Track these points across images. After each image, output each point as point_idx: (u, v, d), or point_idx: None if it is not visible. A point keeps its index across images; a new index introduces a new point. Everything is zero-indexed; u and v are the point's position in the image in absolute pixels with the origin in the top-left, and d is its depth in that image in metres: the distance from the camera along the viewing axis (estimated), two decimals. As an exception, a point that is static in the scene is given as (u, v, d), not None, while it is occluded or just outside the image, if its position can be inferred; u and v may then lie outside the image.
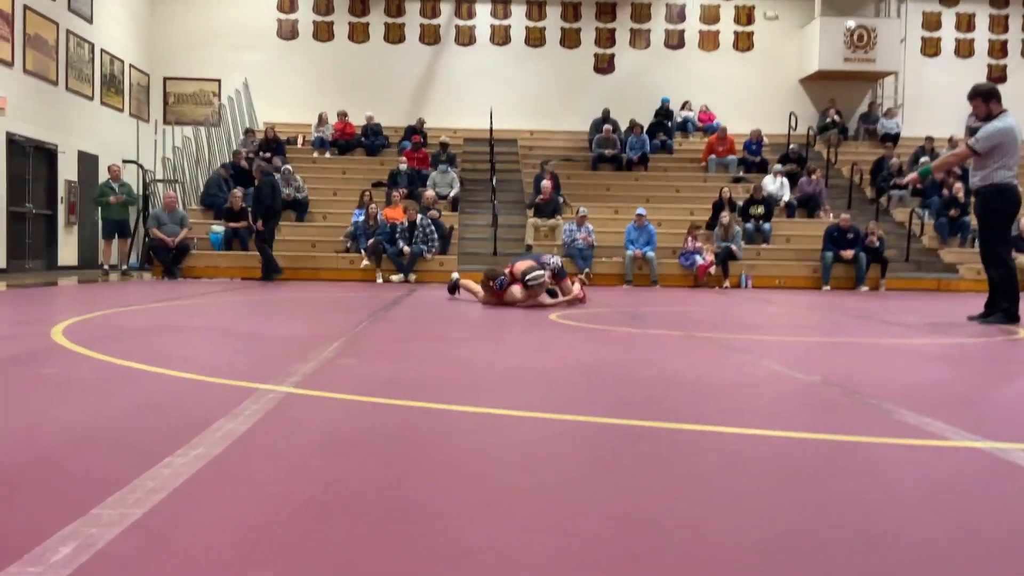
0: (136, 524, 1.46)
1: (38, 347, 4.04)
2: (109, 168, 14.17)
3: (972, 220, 15.14)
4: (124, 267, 13.89)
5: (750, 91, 19.37)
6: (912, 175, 7.22)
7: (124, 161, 16.00)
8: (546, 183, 14.71)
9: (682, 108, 19.16)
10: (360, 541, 1.42)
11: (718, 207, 14.59)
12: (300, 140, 17.87)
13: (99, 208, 13.89)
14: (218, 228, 13.96)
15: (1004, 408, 2.94)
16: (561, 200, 14.97)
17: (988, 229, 6.47)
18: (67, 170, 15.35)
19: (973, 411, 2.84)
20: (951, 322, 6.57)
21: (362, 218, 13.81)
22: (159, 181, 16.70)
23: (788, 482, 1.89)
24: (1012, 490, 1.84)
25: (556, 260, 7.87)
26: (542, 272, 7.40)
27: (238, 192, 13.97)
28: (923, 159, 16.63)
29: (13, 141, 13.63)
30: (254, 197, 12.69)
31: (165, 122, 18.36)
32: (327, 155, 17.28)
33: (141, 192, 15.71)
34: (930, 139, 17.38)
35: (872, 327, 6.47)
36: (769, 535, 1.50)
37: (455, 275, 9.17)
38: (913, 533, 1.52)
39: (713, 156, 17.23)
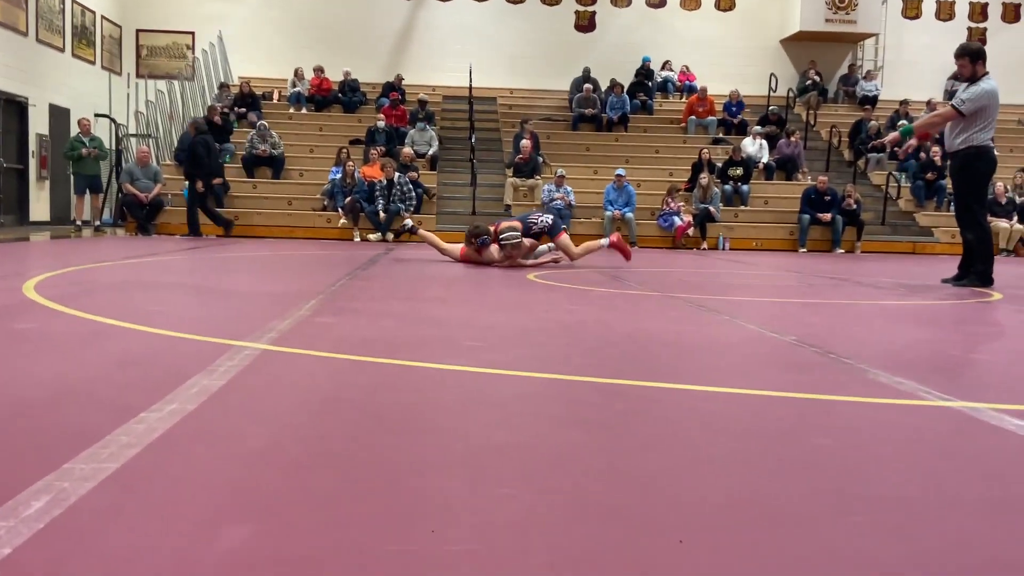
0: (110, 478, 1.45)
1: (10, 302, 3.99)
2: (79, 122, 13.91)
3: (948, 183, 15.27)
4: (97, 223, 13.70)
5: (731, 51, 19.28)
6: (893, 135, 7.24)
7: (96, 115, 15.72)
8: (525, 142, 14.62)
9: (662, 68, 19.05)
10: (340, 496, 1.41)
11: (697, 168, 14.58)
12: (276, 95, 17.60)
13: (71, 163, 13.66)
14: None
15: (976, 368, 2.98)
16: (541, 160, 14.90)
17: (965, 191, 6.52)
18: (38, 124, 15.07)
19: (946, 371, 2.88)
20: (925, 284, 6.64)
21: (339, 176, 13.68)
22: (132, 136, 16.44)
23: (763, 439, 1.91)
24: (982, 448, 1.87)
25: (546, 219, 7.83)
26: (516, 232, 7.37)
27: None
28: (900, 122, 16.70)
29: (-18, 93, 13.35)
30: (187, 157, 12.52)
31: (138, 75, 18.03)
32: (303, 111, 17.06)
33: (113, 147, 15.46)
34: (905, 102, 17.40)
35: (847, 289, 6.53)
36: (743, 490, 1.51)
37: (409, 221, 9.23)
38: (886, 490, 1.54)
39: (693, 117, 17.18)
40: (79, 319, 3.47)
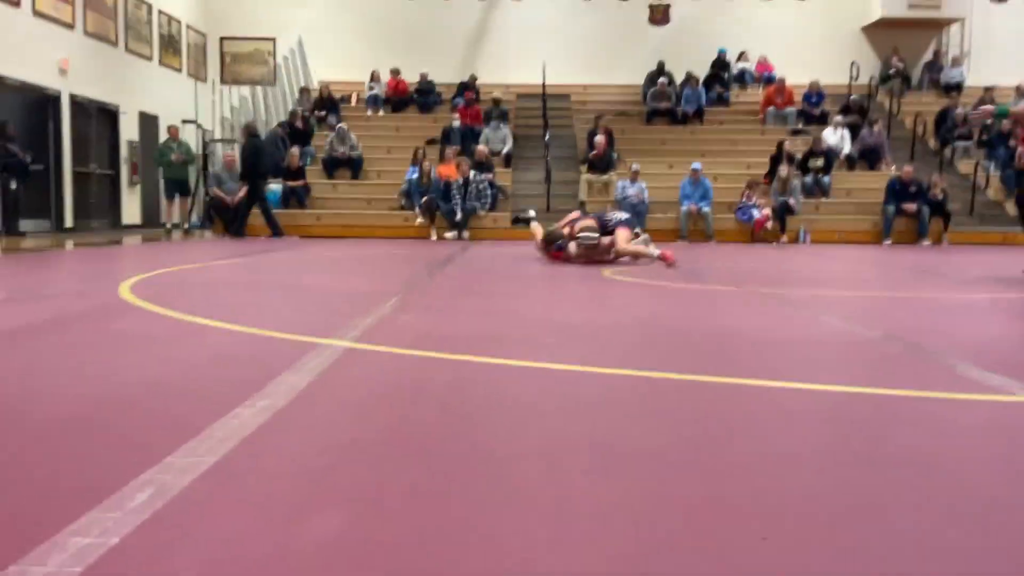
0: (208, 471, 1.52)
1: (108, 303, 4.18)
2: (169, 128, 14.41)
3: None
4: (186, 225, 14.17)
5: (809, 40, 18.83)
6: (988, 107, 6.98)
7: (183, 121, 16.23)
8: (599, 138, 14.57)
9: (738, 59, 18.71)
10: (423, 485, 1.46)
11: (776, 160, 14.31)
12: (354, 98, 17.92)
13: (160, 167, 14.16)
14: (276, 186, 14.14)
15: (1071, 363, 2.87)
16: (615, 156, 14.83)
17: None
18: (128, 130, 15.65)
19: (1039, 366, 2.79)
20: (1015, 277, 6.40)
21: (416, 175, 13.86)
22: (217, 141, 16.93)
23: (846, 436, 1.89)
24: (1077, 444, 1.81)
25: (621, 216, 7.79)
26: (594, 234, 7.34)
27: (295, 151, 14.12)
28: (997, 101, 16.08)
29: (76, 103, 13.92)
30: (241, 160, 12.96)
31: (222, 82, 18.54)
32: (380, 113, 17.32)
33: (200, 152, 15.97)
34: (991, 88, 16.75)
35: (935, 282, 6.34)
36: (823, 486, 1.51)
37: (532, 211, 9.31)
38: (974, 490, 1.51)
39: (771, 108, 16.86)
40: (173, 319, 3.61)
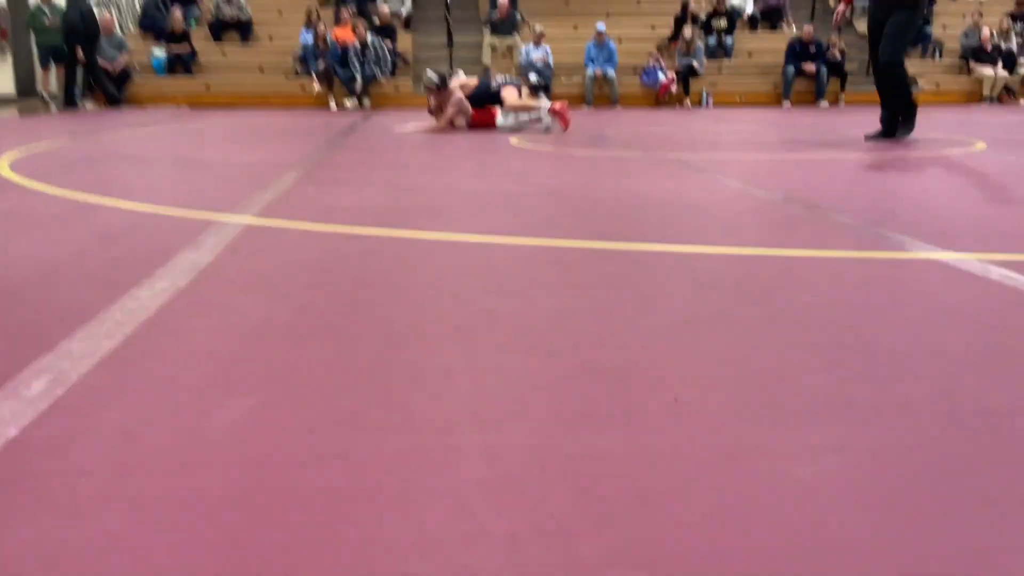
0: (109, 356, 1.46)
1: (-16, 182, 3.91)
2: (40, -11, 13.28)
3: (932, 30, 14.96)
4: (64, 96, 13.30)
5: None
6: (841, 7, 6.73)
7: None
8: (502, -1, 14.13)
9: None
10: (337, 366, 1.43)
11: (680, 21, 14.19)
12: (240, -46, 16.79)
13: (33, 33, 13.12)
14: (159, 52, 13.34)
15: (962, 219, 3.00)
16: (519, 16, 14.44)
17: (905, 28, 6.13)
18: (-7, -8, 14.40)
19: (932, 222, 2.90)
20: (912, 137, 6.60)
21: (311, 40, 13.25)
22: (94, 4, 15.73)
23: (752, 296, 1.93)
24: (967, 298, 1.90)
25: (503, 78, 7.98)
26: (435, 77, 7.54)
27: (177, 12, 13.27)
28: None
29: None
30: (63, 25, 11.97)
31: (94, -63, 17.10)
32: (270, -29, 16.31)
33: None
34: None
35: (832, 141, 6.49)
36: (735, 347, 1.54)
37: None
38: (872, 340, 1.57)
39: (675, -33, 16.57)
40: (59, 197, 3.41)
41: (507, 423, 1.19)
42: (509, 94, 7.64)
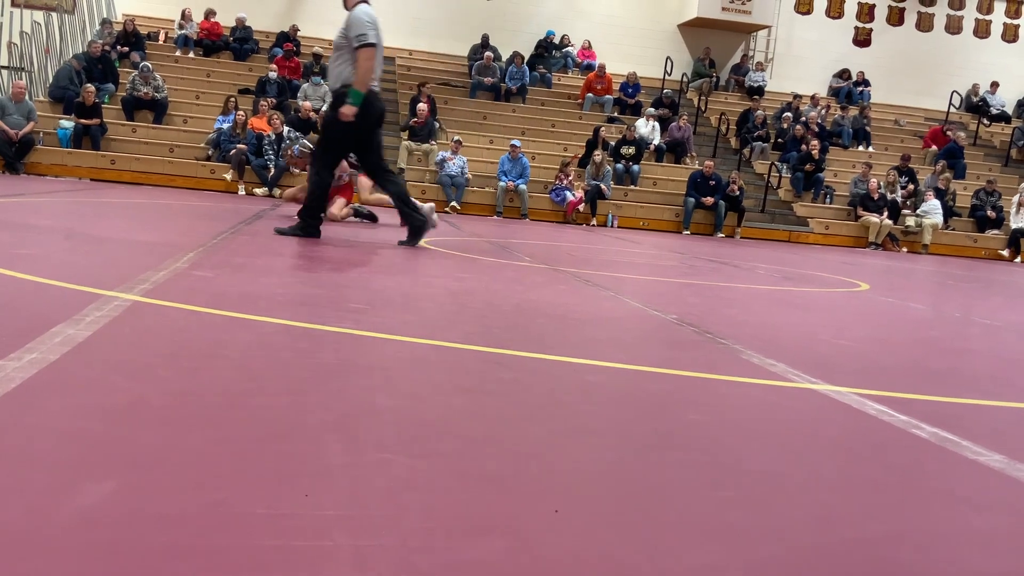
0: (-41, 429, 1.35)
1: None
2: (-55, 48, 12.94)
3: (825, 176, 15.94)
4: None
5: (631, 31, 19.47)
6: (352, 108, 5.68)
7: (-37, 42, 14.65)
8: (422, 106, 14.45)
9: (561, 42, 19.07)
10: (209, 455, 1.36)
11: (591, 145, 14.74)
12: (162, 36, 16.78)
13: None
14: (67, 123, 13.05)
15: (842, 354, 3.12)
16: (437, 125, 14.76)
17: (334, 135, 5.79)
18: None
19: (814, 356, 3.01)
20: (800, 272, 6.92)
21: (226, 125, 13.20)
22: (4, 68, 15.38)
23: (640, 412, 1.95)
24: (844, 430, 1.96)
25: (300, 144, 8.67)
26: (310, 146, 8.12)
27: (91, 86, 13.08)
28: (785, 114, 17.30)
29: None
30: None
31: (13, 4, 16.85)
32: (191, 55, 16.34)
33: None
34: (798, 96, 18.09)
35: (727, 272, 6.74)
36: (619, 462, 1.54)
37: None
38: (752, 464, 1.60)
39: (590, 94, 17.33)
40: (-68, 258, 3.23)
41: (382, 527, 1.15)
42: (365, 183, 8.04)
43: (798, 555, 1.19)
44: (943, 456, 1.77)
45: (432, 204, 8.04)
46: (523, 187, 13.60)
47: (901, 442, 1.86)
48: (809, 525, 1.31)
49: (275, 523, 1.12)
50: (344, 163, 7.81)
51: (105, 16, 16.53)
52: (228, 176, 12.79)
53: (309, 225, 5.89)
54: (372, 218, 8.40)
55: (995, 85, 20.09)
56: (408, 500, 1.25)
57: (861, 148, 17.77)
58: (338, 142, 5.92)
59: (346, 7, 6.01)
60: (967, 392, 2.63)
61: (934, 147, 17.84)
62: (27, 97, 12.98)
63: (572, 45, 19.14)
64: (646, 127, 16.03)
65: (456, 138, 13.81)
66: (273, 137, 12.77)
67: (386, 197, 8.20)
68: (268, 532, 1.09)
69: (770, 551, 1.19)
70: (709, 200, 14.14)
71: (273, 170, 12.69)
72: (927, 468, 1.70)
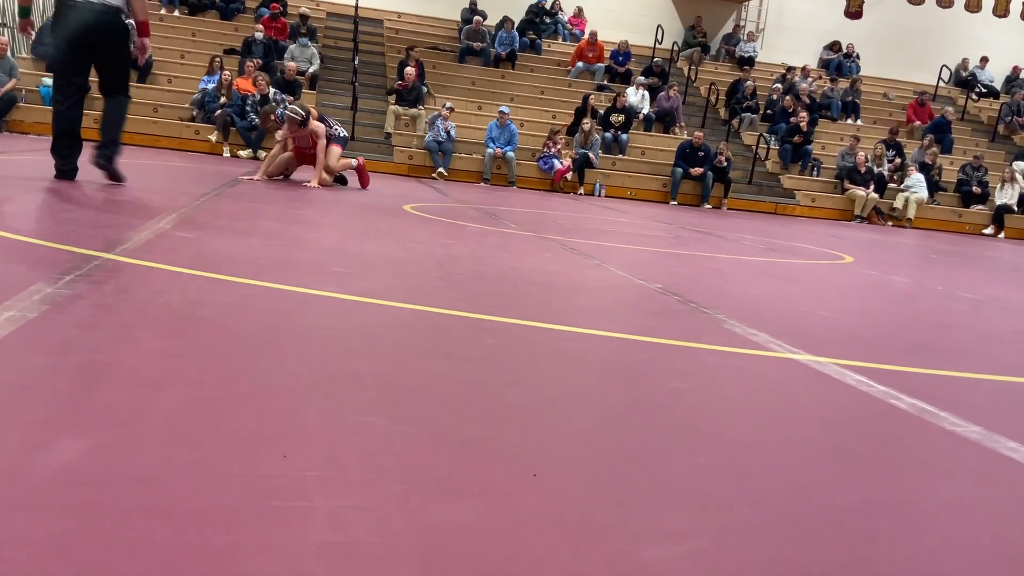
0: (-67, 385, 1.34)
1: None
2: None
3: (812, 149, 15.94)
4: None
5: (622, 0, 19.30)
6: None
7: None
8: (410, 70, 14.31)
9: (552, 7, 18.88)
10: (187, 414, 1.36)
11: (580, 113, 14.66)
12: (147, -6, 16.50)
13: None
14: (50, 81, 12.85)
15: (824, 325, 3.14)
16: (425, 90, 14.63)
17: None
18: None
19: (796, 326, 3.02)
20: (785, 244, 6.94)
21: (211, 85, 13.04)
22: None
23: (620, 379, 1.95)
24: (823, 399, 1.97)
25: (341, 130, 8.37)
26: (303, 113, 7.81)
27: (75, 44, 12.87)
28: (775, 86, 17.25)
29: None
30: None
31: (-7, -43, 16.53)
32: (176, 14, 16.10)
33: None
34: (791, 69, 18.01)
35: (712, 243, 6.75)
36: (599, 427, 1.54)
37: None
38: (730, 432, 1.60)
39: (581, 63, 17.20)
40: (-90, 214, 3.19)
41: (359, 488, 1.15)
42: (335, 152, 8.06)
43: (772, 521, 1.19)
44: (921, 427, 1.79)
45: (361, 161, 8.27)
46: (511, 154, 13.53)
47: (880, 412, 1.87)
48: (784, 492, 1.32)
49: (252, 483, 1.12)
50: (319, 126, 7.80)
51: (88, -28, 16.23)
52: (213, 138, 12.66)
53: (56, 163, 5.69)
54: (342, 181, 8.40)
55: (985, 60, 20.07)
56: (386, 462, 1.25)
57: (850, 121, 17.75)
58: (59, 62, 5.86)
59: None
60: (947, 364, 2.65)
61: (917, 122, 17.84)
62: (9, 53, 12.76)
63: (563, 11, 18.96)
64: (635, 96, 15.94)
65: (448, 104, 13.70)
66: (258, 98, 12.63)
67: (352, 161, 8.28)
68: (245, 492, 1.09)
69: (744, 517, 1.20)
70: (697, 171, 14.11)
71: (257, 132, 12.56)
72: (904, 439, 1.71)
